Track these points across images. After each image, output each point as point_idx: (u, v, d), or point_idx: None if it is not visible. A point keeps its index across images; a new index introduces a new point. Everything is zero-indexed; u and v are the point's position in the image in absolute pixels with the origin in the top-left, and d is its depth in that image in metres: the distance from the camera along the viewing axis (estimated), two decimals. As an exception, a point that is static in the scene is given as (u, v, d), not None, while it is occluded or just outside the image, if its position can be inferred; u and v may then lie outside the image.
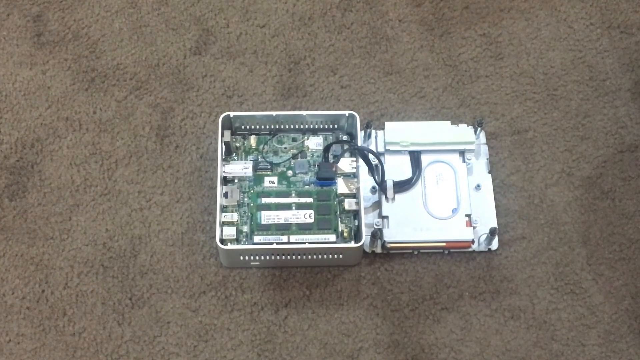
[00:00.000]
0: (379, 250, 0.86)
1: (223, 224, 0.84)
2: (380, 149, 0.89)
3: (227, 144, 0.88)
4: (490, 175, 0.90)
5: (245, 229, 0.85)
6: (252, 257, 0.84)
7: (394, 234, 0.85)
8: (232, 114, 0.88)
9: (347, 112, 0.88)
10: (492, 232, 0.85)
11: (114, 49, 0.97)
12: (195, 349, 0.83)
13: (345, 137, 0.90)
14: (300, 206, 0.85)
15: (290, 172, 0.88)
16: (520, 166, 0.91)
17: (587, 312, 0.85)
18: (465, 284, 0.86)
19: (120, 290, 0.85)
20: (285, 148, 0.89)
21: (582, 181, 0.90)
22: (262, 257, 0.84)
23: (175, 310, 0.84)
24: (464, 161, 0.89)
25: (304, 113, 0.88)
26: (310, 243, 0.83)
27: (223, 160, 0.87)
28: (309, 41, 0.98)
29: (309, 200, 0.86)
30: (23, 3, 0.99)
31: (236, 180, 0.87)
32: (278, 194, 0.86)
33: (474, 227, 0.86)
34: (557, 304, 0.85)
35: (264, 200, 0.85)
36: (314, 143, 0.89)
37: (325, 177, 0.86)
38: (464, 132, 0.90)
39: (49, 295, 0.85)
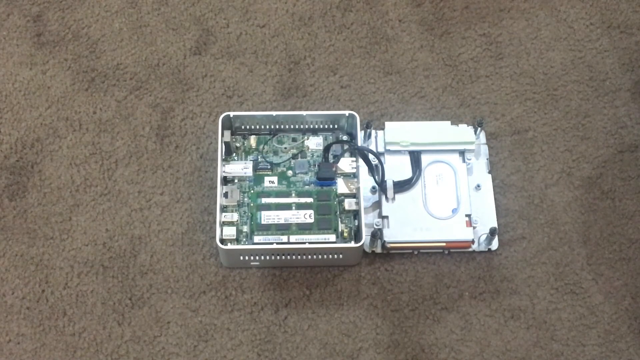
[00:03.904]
0: (379, 250, 0.86)
1: (223, 224, 0.84)
2: (380, 149, 0.89)
3: (227, 144, 0.88)
4: (490, 175, 0.90)
5: (245, 229, 0.85)
6: (252, 257, 0.84)
7: (394, 234, 0.85)
8: (232, 114, 0.88)
9: (347, 112, 0.88)
10: (492, 232, 0.85)
11: (114, 49, 0.97)
12: (195, 349, 0.83)
13: (345, 137, 0.90)
14: (300, 206, 0.85)
15: (290, 172, 0.88)
16: (520, 166, 0.91)
17: (587, 312, 0.85)
18: (465, 284, 0.86)
19: (120, 290, 0.85)
20: (285, 148, 0.89)
21: (582, 181, 0.91)
22: (262, 257, 0.84)
23: (175, 310, 0.84)
24: (464, 161, 0.89)
25: (304, 113, 0.88)
26: (310, 243, 0.83)
27: (223, 160, 0.87)
28: (309, 41, 0.98)
29: (309, 200, 0.86)
30: (23, 3, 0.99)
31: (236, 180, 0.87)
32: (278, 194, 0.86)
33: (474, 227, 0.86)
34: (557, 304, 0.85)
35: (264, 200, 0.86)
36: (314, 143, 0.89)
37: (325, 177, 0.86)
38: (464, 132, 0.90)
39: (49, 295, 0.85)
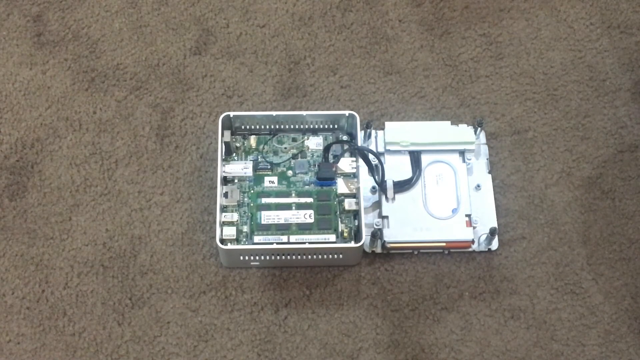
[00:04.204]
0: (379, 250, 0.86)
1: (223, 224, 0.84)
2: (380, 149, 0.89)
3: (227, 144, 0.88)
4: (490, 175, 0.90)
5: (245, 229, 0.85)
6: (252, 257, 0.84)
7: (394, 234, 0.85)
8: (232, 114, 0.88)
9: (347, 112, 0.88)
10: (492, 232, 0.85)
11: (114, 49, 0.97)
12: (195, 349, 0.83)
13: (345, 137, 0.90)
14: (300, 206, 0.85)
15: (290, 172, 0.88)
16: (520, 166, 0.91)
17: (587, 312, 0.85)
18: (465, 284, 0.86)
19: (120, 290, 0.85)
20: (285, 148, 0.89)
21: (582, 181, 0.91)
22: (262, 257, 0.84)
23: (175, 310, 0.84)
24: (464, 161, 0.89)
25: (304, 113, 0.88)
26: (310, 243, 0.83)
27: (223, 160, 0.87)
28: (309, 41, 0.98)
29: (309, 200, 0.86)
30: (23, 3, 0.99)
31: (236, 180, 0.87)
32: (278, 194, 0.86)
33: (474, 227, 0.86)
34: (557, 304, 0.85)
35: (264, 200, 0.86)
36: (314, 143, 0.89)
37: (325, 177, 0.86)
38: (464, 132, 0.90)
39: (49, 295, 0.85)
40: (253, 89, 0.95)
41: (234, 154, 0.89)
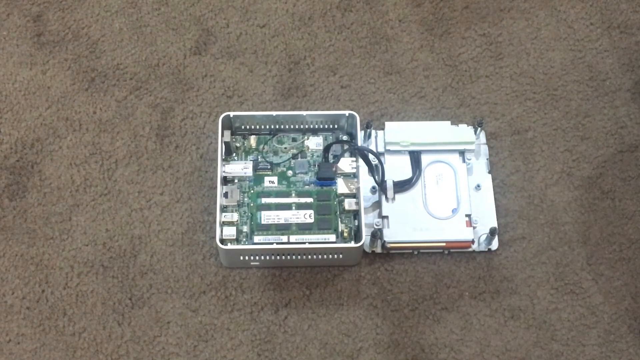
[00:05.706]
0: (379, 250, 0.86)
1: (223, 224, 0.84)
2: (380, 149, 0.89)
3: (227, 144, 0.88)
4: (490, 175, 0.90)
5: (245, 229, 0.85)
6: (252, 257, 0.84)
7: (394, 234, 0.85)
8: (232, 114, 0.88)
9: (347, 112, 0.88)
10: (492, 232, 0.85)
11: (114, 49, 0.97)
12: (195, 349, 0.83)
13: (345, 137, 0.90)
14: (300, 206, 0.85)
15: (290, 172, 0.88)
16: (520, 166, 0.91)
17: (587, 312, 0.85)
18: (465, 284, 0.86)
19: (120, 290, 0.85)
20: (285, 148, 0.89)
21: (582, 181, 0.91)
22: (262, 257, 0.84)
23: (175, 310, 0.84)
24: (464, 161, 0.89)
25: (304, 113, 0.88)
26: (310, 243, 0.83)
27: (223, 160, 0.87)
28: (309, 41, 0.98)
29: (309, 200, 0.86)
30: (23, 3, 0.99)
31: (236, 180, 0.87)
32: (278, 194, 0.86)
33: (474, 227, 0.86)
34: (557, 304, 0.85)
35: (264, 200, 0.86)
36: (314, 143, 0.89)
37: (325, 177, 0.86)
38: (464, 132, 0.90)
39: (49, 295, 0.85)
40: (253, 89, 0.95)
41: (234, 154, 0.89)
